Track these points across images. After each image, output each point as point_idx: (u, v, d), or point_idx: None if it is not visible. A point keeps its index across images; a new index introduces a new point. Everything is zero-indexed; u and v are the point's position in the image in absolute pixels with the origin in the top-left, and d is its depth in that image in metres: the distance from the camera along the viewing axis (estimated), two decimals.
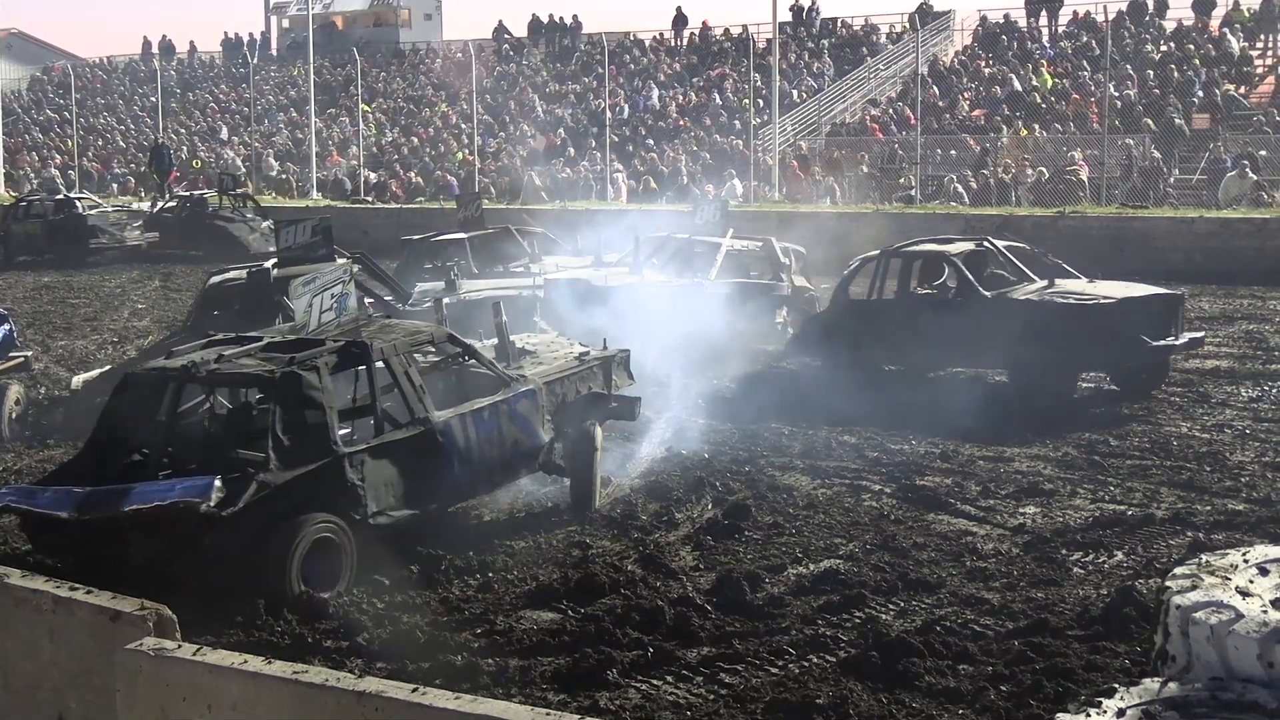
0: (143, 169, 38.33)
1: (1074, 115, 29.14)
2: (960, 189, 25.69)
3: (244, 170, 36.35)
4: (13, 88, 50.69)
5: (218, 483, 7.17)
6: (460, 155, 35.32)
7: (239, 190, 29.38)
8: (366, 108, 39.28)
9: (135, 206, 30.49)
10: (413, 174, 34.57)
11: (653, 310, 12.57)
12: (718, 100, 35.66)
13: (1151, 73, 30.22)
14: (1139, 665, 5.98)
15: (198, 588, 7.08)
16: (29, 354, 14.19)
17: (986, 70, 33.15)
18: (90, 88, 50.37)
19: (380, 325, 9.10)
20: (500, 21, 45.61)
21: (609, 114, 32.81)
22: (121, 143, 44.55)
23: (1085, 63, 31.75)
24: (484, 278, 15.82)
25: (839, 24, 39.22)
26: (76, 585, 5.13)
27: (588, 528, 8.86)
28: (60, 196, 29.41)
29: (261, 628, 7.03)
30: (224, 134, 43.23)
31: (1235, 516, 8.70)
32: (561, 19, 43.94)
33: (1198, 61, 30.30)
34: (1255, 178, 23.51)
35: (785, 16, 36.75)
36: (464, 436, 8.50)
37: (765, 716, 5.91)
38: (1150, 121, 27.19)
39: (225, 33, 52.28)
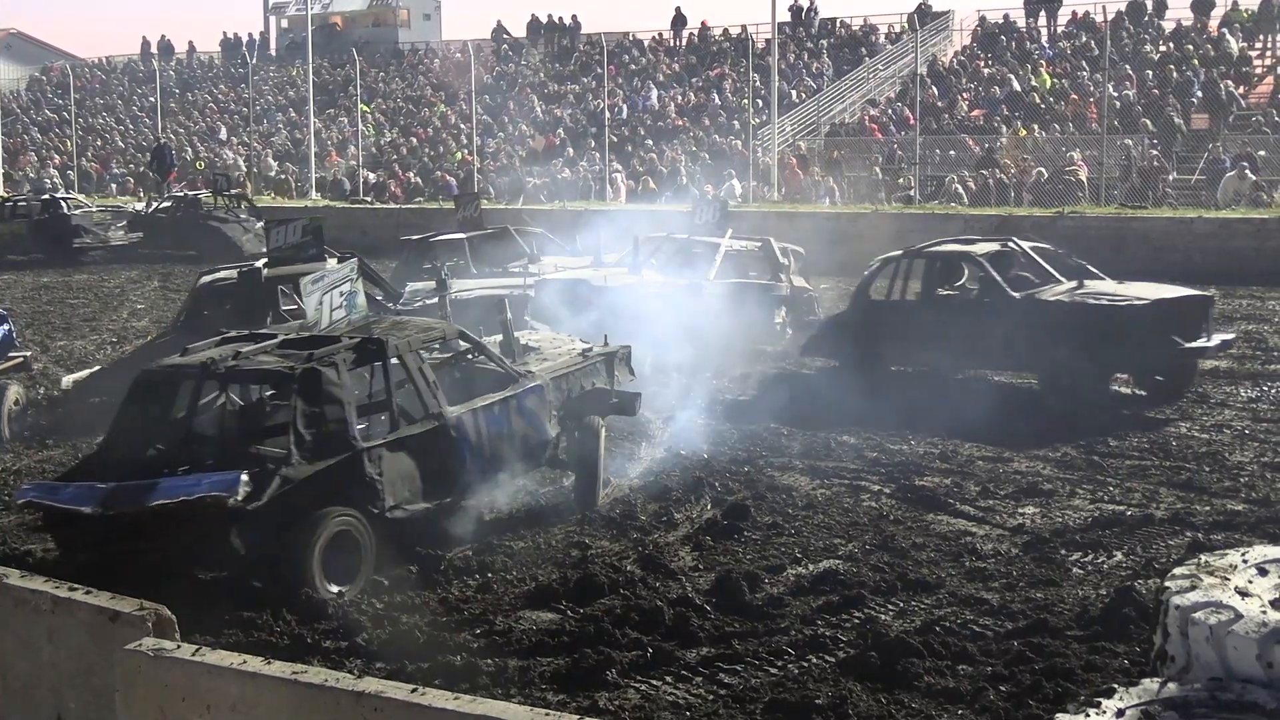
0: (142, 169, 38.34)
1: (1073, 115, 29.13)
2: (959, 189, 25.69)
3: (242, 171, 36.35)
4: (12, 88, 50.69)
5: (245, 477, 7.20)
6: (459, 155, 35.31)
7: (233, 191, 29.40)
8: (365, 108, 39.27)
9: (132, 207, 30.49)
10: (412, 174, 34.56)
11: (652, 310, 12.56)
12: (716, 100, 35.65)
13: (1150, 73, 30.21)
14: (1138, 665, 5.97)
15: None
16: (28, 354, 14.21)
17: (985, 70, 33.13)
18: (89, 88, 50.38)
19: (392, 322, 9.16)
20: (499, 22, 45.83)
21: (608, 114, 32.82)
22: (120, 143, 44.52)
23: (1084, 63, 31.74)
24: (477, 277, 15.80)
25: (838, 24, 39.21)
26: (75, 585, 5.13)
27: (587, 528, 8.86)
28: (46, 196, 29.48)
29: (260, 628, 7.03)
30: (223, 134, 43.21)
31: (1234, 517, 8.70)
32: (560, 19, 43.98)
33: (1196, 62, 30.29)
34: (1254, 178, 23.53)
35: (784, 17, 36.73)
36: (476, 432, 8.57)
37: (764, 717, 5.91)
38: (1149, 122, 27.20)
39: (224, 33, 52.34)
